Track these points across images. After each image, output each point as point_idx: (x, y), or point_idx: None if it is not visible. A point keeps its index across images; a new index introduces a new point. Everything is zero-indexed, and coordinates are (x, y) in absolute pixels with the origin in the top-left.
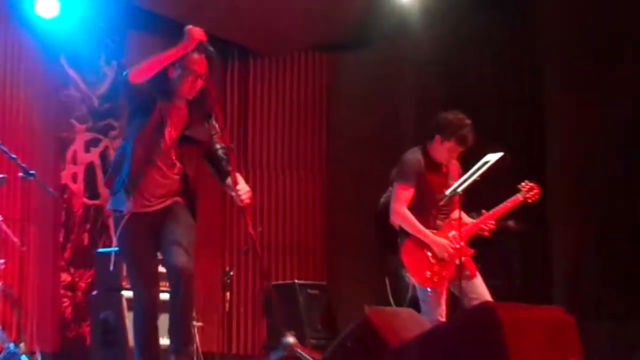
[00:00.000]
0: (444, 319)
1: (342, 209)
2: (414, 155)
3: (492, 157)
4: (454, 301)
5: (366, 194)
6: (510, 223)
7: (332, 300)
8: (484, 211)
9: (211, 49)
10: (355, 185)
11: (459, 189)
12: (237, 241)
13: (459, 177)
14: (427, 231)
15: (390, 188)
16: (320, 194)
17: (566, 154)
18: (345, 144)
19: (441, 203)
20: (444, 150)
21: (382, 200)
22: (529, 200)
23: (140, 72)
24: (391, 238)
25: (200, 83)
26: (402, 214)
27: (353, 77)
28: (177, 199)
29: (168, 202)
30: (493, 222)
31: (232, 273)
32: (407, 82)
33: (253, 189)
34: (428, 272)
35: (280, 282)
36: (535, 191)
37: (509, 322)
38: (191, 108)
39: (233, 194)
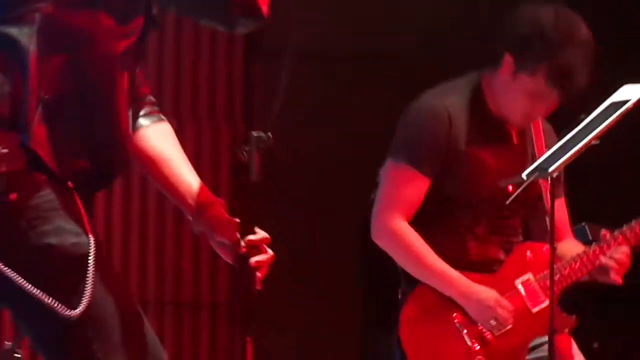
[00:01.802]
0: None
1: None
2: (443, 102)
3: (634, 91)
4: None
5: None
6: None
7: None
8: (605, 232)
9: None
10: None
11: (553, 166)
12: None
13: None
14: (449, 269)
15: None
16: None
17: None
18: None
19: (507, 202)
20: (520, 94)
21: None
22: None
23: None
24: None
25: None
26: (396, 233)
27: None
28: None
29: None
30: (627, 252)
31: None
32: None
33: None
34: None
35: None
36: None
37: None
38: None
39: None
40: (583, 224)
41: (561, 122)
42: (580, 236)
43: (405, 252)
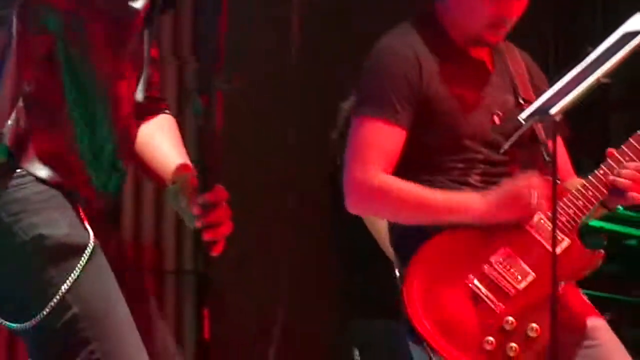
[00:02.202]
0: None
1: None
2: (407, 42)
3: None
4: None
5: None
6: None
7: None
8: (610, 150)
9: None
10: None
11: (555, 108)
12: None
13: (536, 87)
14: (459, 196)
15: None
16: None
17: None
18: None
19: (501, 151)
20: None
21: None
22: None
23: None
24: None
25: None
26: (376, 184)
27: None
28: None
29: None
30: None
31: None
32: None
33: None
34: (489, 338)
35: None
36: None
37: None
38: None
39: None
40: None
41: None
42: None
43: (399, 200)
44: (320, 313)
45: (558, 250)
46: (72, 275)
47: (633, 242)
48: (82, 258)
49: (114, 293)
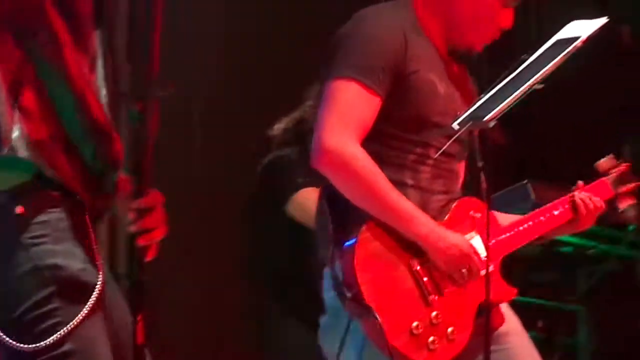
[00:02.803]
0: None
1: None
2: (389, 13)
3: (583, 28)
4: None
5: None
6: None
7: None
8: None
9: None
10: None
11: (489, 114)
12: None
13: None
14: (412, 207)
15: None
16: None
17: None
18: None
19: (437, 154)
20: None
21: (270, 158)
22: (621, 205)
23: None
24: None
25: None
26: (349, 154)
27: None
28: None
29: None
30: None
31: None
32: None
33: None
34: (416, 323)
35: None
36: (635, 184)
37: None
38: None
39: None
40: (525, 181)
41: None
42: (520, 196)
43: (363, 183)
44: (252, 312)
45: (483, 272)
46: (79, 316)
47: (569, 249)
48: (91, 299)
49: (104, 334)
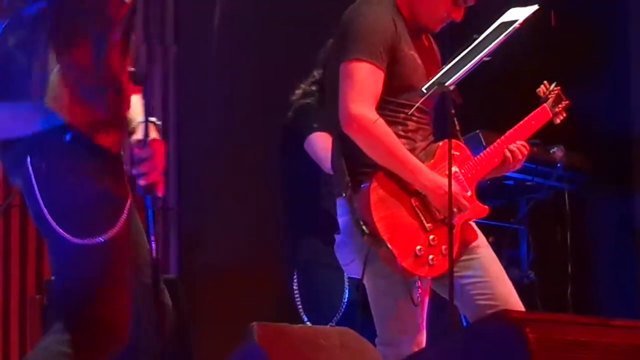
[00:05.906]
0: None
1: None
2: (379, 8)
3: (520, 13)
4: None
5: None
6: (558, 152)
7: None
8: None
9: None
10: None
11: (450, 80)
12: None
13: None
14: (418, 162)
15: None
16: None
17: None
18: None
19: (417, 104)
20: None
21: (291, 113)
22: (557, 120)
23: None
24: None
25: None
26: (371, 122)
27: None
28: None
29: None
30: (524, 147)
31: None
32: None
33: None
34: (419, 247)
35: None
36: (565, 102)
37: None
38: None
39: None
40: (477, 131)
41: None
42: (474, 143)
43: (381, 143)
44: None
45: (468, 193)
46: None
47: (511, 182)
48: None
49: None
